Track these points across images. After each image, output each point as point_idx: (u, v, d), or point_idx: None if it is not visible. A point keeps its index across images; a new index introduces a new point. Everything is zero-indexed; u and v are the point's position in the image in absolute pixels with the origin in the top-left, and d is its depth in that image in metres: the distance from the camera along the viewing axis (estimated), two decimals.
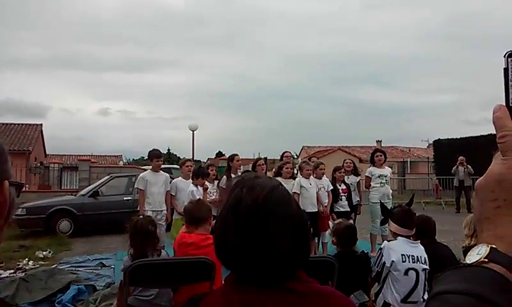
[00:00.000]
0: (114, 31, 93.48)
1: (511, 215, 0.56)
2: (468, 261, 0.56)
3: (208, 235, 3.21)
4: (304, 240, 1.13)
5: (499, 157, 0.59)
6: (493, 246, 0.55)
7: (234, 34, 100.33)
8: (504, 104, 0.61)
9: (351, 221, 6.43)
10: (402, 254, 3.29)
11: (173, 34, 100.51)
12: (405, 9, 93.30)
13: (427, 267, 3.31)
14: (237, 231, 1.06)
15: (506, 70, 0.62)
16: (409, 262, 3.28)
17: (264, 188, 1.10)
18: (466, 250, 3.75)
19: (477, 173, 13.38)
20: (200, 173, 6.67)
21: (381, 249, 3.50)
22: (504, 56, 0.62)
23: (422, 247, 3.40)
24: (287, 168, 6.93)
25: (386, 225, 4.01)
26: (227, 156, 17.07)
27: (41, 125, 29.76)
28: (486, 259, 0.54)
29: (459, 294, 0.52)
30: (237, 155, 7.44)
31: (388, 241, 3.56)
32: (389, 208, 4.24)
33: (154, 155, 7.03)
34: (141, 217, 3.42)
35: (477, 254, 0.55)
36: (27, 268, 7.07)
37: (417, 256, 3.31)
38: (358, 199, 8.05)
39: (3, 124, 28.45)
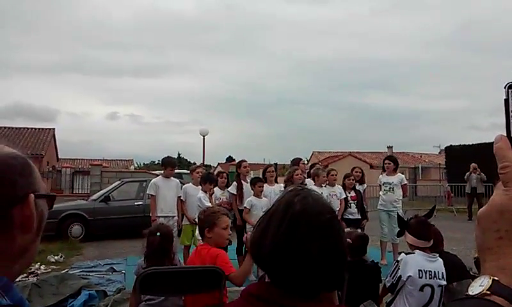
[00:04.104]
0: (122, 36, 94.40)
1: None
2: (470, 293, 0.56)
3: None
4: (341, 261, 1.08)
5: (501, 188, 0.59)
6: (495, 278, 0.55)
7: (243, 40, 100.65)
8: (505, 135, 0.61)
9: (360, 229, 6.39)
10: (419, 270, 3.21)
11: (181, 39, 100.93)
12: (415, 15, 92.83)
13: (444, 283, 3.23)
14: (277, 233, 1.05)
15: (507, 101, 0.61)
16: (425, 278, 3.20)
17: (318, 199, 1.13)
18: (477, 261, 3.69)
19: (490, 180, 13.22)
20: (208, 178, 6.70)
21: (397, 261, 3.43)
22: (505, 87, 0.61)
23: (440, 261, 3.30)
24: (297, 174, 6.90)
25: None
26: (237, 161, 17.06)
27: (53, 129, 30.01)
28: (488, 292, 0.54)
29: None
30: (244, 161, 7.40)
31: (406, 254, 3.48)
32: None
33: (170, 163, 7.12)
34: (159, 234, 3.36)
35: (480, 285, 0.55)
36: (39, 272, 7.14)
37: (434, 272, 3.22)
38: (365, 206, 8.03)
39: (16, 128, 28.73)
